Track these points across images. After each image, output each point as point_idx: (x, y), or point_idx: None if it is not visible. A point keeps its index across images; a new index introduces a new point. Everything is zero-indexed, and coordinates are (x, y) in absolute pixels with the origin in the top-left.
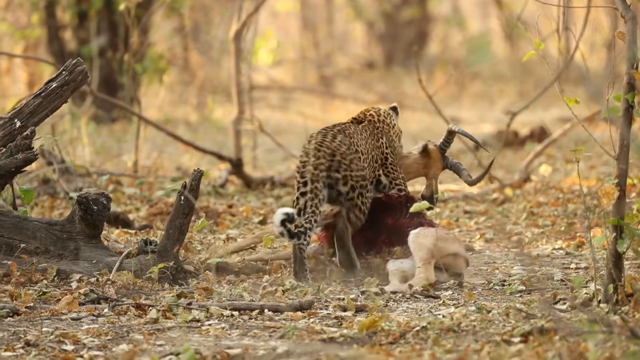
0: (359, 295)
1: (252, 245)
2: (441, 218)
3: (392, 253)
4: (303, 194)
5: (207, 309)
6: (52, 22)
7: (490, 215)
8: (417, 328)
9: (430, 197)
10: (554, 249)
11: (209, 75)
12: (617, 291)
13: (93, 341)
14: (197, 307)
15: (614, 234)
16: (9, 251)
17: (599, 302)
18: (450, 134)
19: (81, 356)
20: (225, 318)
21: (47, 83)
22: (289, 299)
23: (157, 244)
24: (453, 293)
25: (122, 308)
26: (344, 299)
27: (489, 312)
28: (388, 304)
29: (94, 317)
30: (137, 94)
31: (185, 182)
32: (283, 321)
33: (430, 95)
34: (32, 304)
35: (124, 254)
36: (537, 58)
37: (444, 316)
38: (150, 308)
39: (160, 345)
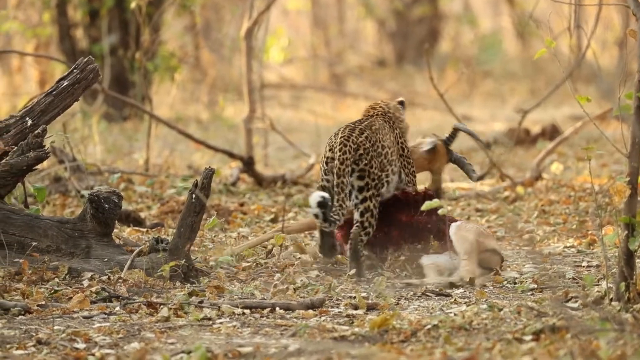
0: (370, 294)
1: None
2: (453, 216)
3: (414, 249)
4: (324, 188)
5: (219, 307)
6: (63, 20)
7: (502, 214)
8: (429, 326)
9: (436, 191)
10: (566, 247)
11: (220, 74)
12: (628, 289)
13: (104, 339)
14: (209, 306)
15: (626, 232)
16: (21, 249)
17: (611, 300)
18: (456, 131)
19: (92, 354)
20: (236, 316)
21: (58, 81)
22: (301, 297)
23: (169, 242)
24: (464, 291)
25: (133, 306)
26: (355, 297)
27: (500, 310)
28: (399, 302)
29: (106, 316)
30: (149, 92)
31: (196, 180)
32: (294, 319)
33: (442, 93)
34: (43, 302)
35: (135, 252)
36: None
37: (455, 314)
38: (162, 306)
39: (171, 344)
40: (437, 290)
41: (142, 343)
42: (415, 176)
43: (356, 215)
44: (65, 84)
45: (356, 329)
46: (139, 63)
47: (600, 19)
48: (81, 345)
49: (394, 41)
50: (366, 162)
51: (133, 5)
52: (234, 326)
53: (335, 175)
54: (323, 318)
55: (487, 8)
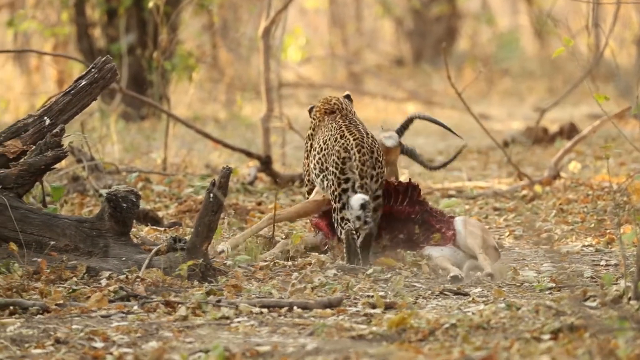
0: (388, 293)
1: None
2: (470, 215)
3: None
4: (345, 190)
5: (237, 306)
6: (81, 19)
7: (520, 212)
8: (447, 325)
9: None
10: (584, 245)
11: (238, 73)
12: None
13: (122, 338)
14: (227, 305)
15: None
16: (39, 248)
17: (629, 299)
18: (410, 121)
19: (111, 353)
20: (254, 315)
21: (76, 81)
22: (318, 296)
23: (186, 241)
24: (482, 290)
25: (151, 305)
26: (373, 296)
27: (518, 309)
28: (417, 301)
29: (124, 315)
30: (166, 92)
31: (214, 179)
32: (312, 318)
33: (459, 92)
34: (61, 302)
35: (153, 252)
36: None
37: (473, 313)
38: (180, 305)
39: (189, 343)
40: (456, 289)
41: (160, 342)
42: None
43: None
44: (83, 84)
45: (374, 328)
46: (157, 62)
47: (619, 17)
48: (99, 344)
49: (411, 40)
50: (379, 164)
51: (151, 4)
52: (252, 325)
53: (358, 177)
54: (341, 317)
55: (505, 6)
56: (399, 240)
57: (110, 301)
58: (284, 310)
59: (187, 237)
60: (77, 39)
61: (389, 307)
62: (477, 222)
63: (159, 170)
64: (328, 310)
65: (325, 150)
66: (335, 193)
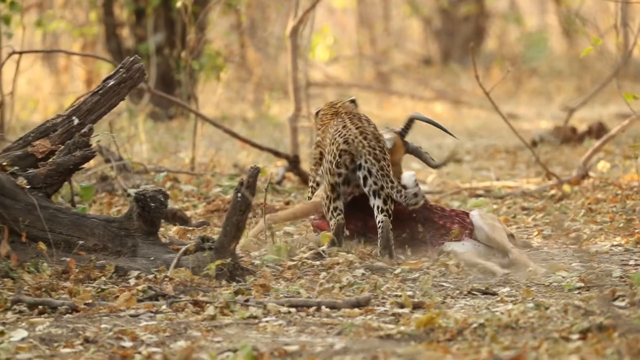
0: (416, 292)
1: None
2: (498, 215)
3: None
4: (336, 183)
5: (265, 305)
6: (109, 19)
7: (548, 212)
8: (475, 325)
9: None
10: (613, 245)
11: (266, 72)
12: None
13: (151, 338)
14: (255, 304)
15: None
16: (68, 248)
17: None
18: (411, 121)
19: (139, 353)
20: (282, 315)
21: (104, 81)
22: (346, 296)
23: (214, 241)
24: (511, 290)
25: (179, 305)
26: (401, 296)
27: (547, 309)
28: (445, 300)
29: (152, 314)
30: (194, 91)
31: (242, 179)
32: (340, 318)
33: (487, 91)
34: (90, 301)
35: (181, 251)
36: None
37: (501, 313)
38: (208, 305)
39: (217, 342)
40: (484, 288)
41: (188, 341)
42: None
43: (378, 202)
44: (111, 83)
45: (402, 328)
46: (185, 62)
47: None
48: (128, 344)
49: (439, 39)
50: (385, 157)
51: (179, 4)
52: (280, 325)
53: (375, 160)
54: (369, 316)
55: (533, 6)
56: (403, 240)
57: (139, 300)
58: (312, 309)
59: (215, 237)
60: (106, 39)
61: (417, 306)
62: (493, 216)
63: (187, 169)
64: (356, 310)
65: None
66: (331, 182)
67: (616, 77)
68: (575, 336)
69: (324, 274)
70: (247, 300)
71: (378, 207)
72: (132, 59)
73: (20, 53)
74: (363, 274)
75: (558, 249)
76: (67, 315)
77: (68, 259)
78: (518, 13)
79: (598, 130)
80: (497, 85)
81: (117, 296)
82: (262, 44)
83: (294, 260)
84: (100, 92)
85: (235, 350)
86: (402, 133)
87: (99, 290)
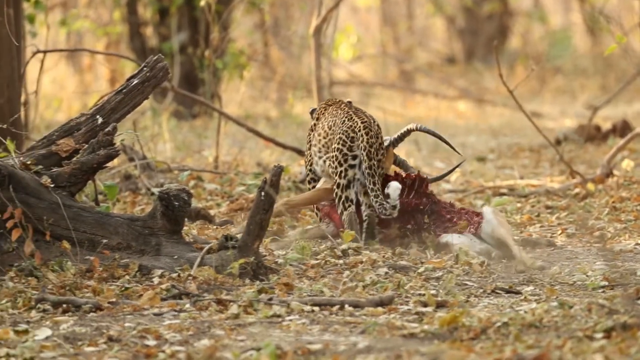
0: (439, 291)
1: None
2: (522, 213)
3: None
4: (352, 166)
5: (288, 304)
6: (133, 18)
7: (572, 211)
8: (499, 324)
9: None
10: (637, 244)
11: (289, 71)
12: None
13: (175, 336)
14: (278, 303)
15: None
16: (92, 247)
17: None
18: (407, 132)
19: (163, 351)
20: (305, 313)
21: (128, 79)
22: (370, 295)
23: (238, 239)
24: (535, 288)
25: (203, 303)
26: (424, 295)
27: (571, 307)
28: (469, 299)
29: (176, 313)
30: (218, 90)
31: (265, 177)
32: (363, 317)
33: (511, 90)
34: (114, 300)
35: (204, 250)
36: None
37: (525, 312)
38: (232, 303)
39: (241, 341)
40: (507, 287)
41: (212, 340)
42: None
43: (365, 199)
44: (135, 82)
45: (425, 327)
46: (208, 61)
47: None
48: (152, 342)
49: (463, 38)
50: (383, 151)
51: (202, 3)
52: (303, 323)
53: (367, 158)
54: (392, 315)
55: (557, 4)
56: (408, 230)
57: (163, 299)
58: (335, 308)
59: (239, 236)
60: (129, 38)
61: (440, 305)
62: (502, 214)
63: (211, 168)
64: (379, 309)
65: (330, 135)
66: (340, 169)
67: None
68: (599, 335)
69: (347, 272)
70: (270, 299)
71: (365, 203)
72: (155, 57)
73: (45, 52)
74: (386, 273)
75: (582, 248)
76: (91, 313)
77: (92, 258)
78: (542, 11)
79: (622, 129)
80: (521, 83)
81: (141, 295)
82: (285, 43)
83: (317, 259)
84: (124, 91)
85: (258, 349)
86: (395, 143)
87: (123, 289)
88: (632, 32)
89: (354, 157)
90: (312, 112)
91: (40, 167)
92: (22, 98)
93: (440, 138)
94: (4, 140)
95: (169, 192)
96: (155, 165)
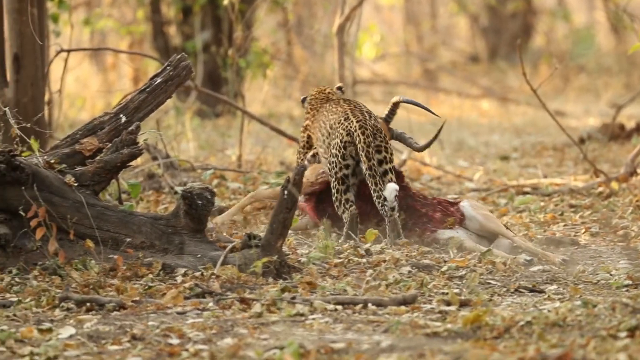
0: (462, 290)
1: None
2: (546, 212)
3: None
4: (347, 166)
5: (311, 303)
6: (156, 17)
7: (596, 209)
8: (522, 323)
9: None
10: None
11: (313, 70)
12: None
13: (198, 335)
14: (301, 301)
15: None
16: (115, 245)
17: None
18: (395, 106)
19: (186, 350)
20: (328, 312)
21: (151, 78)
22: (393, 294)
23: (261, 238)
24: (558, 287)
25: (226, 302)
26: (447, 294)
27: (594, 306)
28: (492, 298)
29: (199, 311)
30: (241, 89)
31: (288, 176)
32: (387, 315)
33: (535, 88)
34: (137, 298)
35: (228, 249)
36: None
37: (549, 311)
38: (255, 302)
39: (264, 339)
40: (531, 286)
41: (235, 339)
42: None
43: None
44: (158, 81)
45: (449, 325)
46: (232, 60)
47: None
48: (175, 341)
49: (486, 37)
50: (385, 147)
51: (226, 2)
52: (326, 322)
53: (366, 159)
54: (415, 314)
55: (581, 2)
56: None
57: (186, 298)
58: (358, 307)
59: (262, 234)
60: (153, 37)
61: (463, 304)
62: (481, 204)
63: (234, 167)
64: (402, 308)
65: (332, 136)
66: (338, 175)
67: None
68: (623, 334)
69: (370, 271)
70: (293, 298)
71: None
72: (179, 56)
73: (68, 51)
74: (409, 272)
75: (606, 247)
76: (115, 312)
77: (115, 257)
78: (566, 9)
79: None
80: (544, 82)
81: (164, 293)
82: (308, 42)
83: (340, 258)
84: (148, 90)
85: (281, 348)
86: (387, 119)
87: (146, 287)
88: None
89: (348, 166)
90: (303, 101)
91: (64, 166)
92: (46, 97)
93: (419, 105)
94: (28, 139)
95: (192, 191)
96: (178, 164)
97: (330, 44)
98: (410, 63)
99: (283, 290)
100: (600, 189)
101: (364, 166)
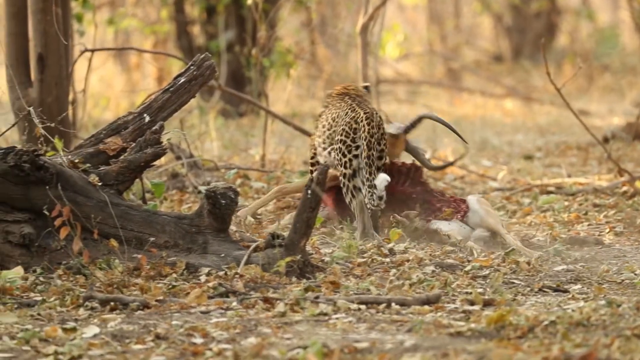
0: (486, 289)
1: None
2: (570, 212)
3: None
4: (356, 156)
5: (335, 302)
6: (180, 17)
7: (620, 209)
8: (546, 322)
9: None
10: None
11: (336, 69)
12: None
13: (222, 334)
14: (325, 301)
15: None
16: (139, 245)
17: None
18: (420, 119)
19: (210, 349)
20: (352, 312)
21: (175, 78)
22: (416, 293)
23: (285, 238)
24: (582, 287)
25: (250, 302)
26: (471, 293)
27: (619, 306)
28: (516, 298)
29: (223, 311)
30: (265, 89)
31: (312, 176)
32: (410, 315)
33: (559, 88)
34: (161, 298)
35: (251, 248)
36: None
37: (573, 310)
38: (278, 302)
39: (287, 339)
40: (555, 286)
41: (258, 338)
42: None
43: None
44: (182, 81)
45: (472, 325)
46: (255, 59)
47: None
48: (199, 340)
49: (510, 36)
50: (384, 141)
51: (249, 1)
52: (350, 322)
53: (366, 147)
54: (439, 314)
55: (605, 2)
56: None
57: (210, 297)
58: (382, 306)
59: (285, 234)
60: (177, 37)
61: (487, 303)
62: (487, 201)
63: (258, 167)
64: (426, 307)
65: (334, 127)
66: (345, 159)
67: None
68: None
69: (394, 271)
70: (317, 297)
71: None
72: (202, 56)
73: (93, 51)
74: (433, 271)
75: (630, 246)
76: (139, 311)
77: (139, 256)
78: (590, 9)
79: None
80: (568, 81)
81: (188, 293)
82: (332, 41)
83: (364, 257)
84: (171, 89)
85: (305, 347)
86: (407, 129)
87: (170, 287)
88: None
89: (357, 148)
90: (329, 95)
91: (88, 165)
92: (70, 97)
93: (450, 127)
94: (52, 139)
95: (215, 191)
96: (202, 164)
97: (353, 43)
98: (433, 62)
99: (306, 289)
100: (625, 188)
101: (363, 154)
